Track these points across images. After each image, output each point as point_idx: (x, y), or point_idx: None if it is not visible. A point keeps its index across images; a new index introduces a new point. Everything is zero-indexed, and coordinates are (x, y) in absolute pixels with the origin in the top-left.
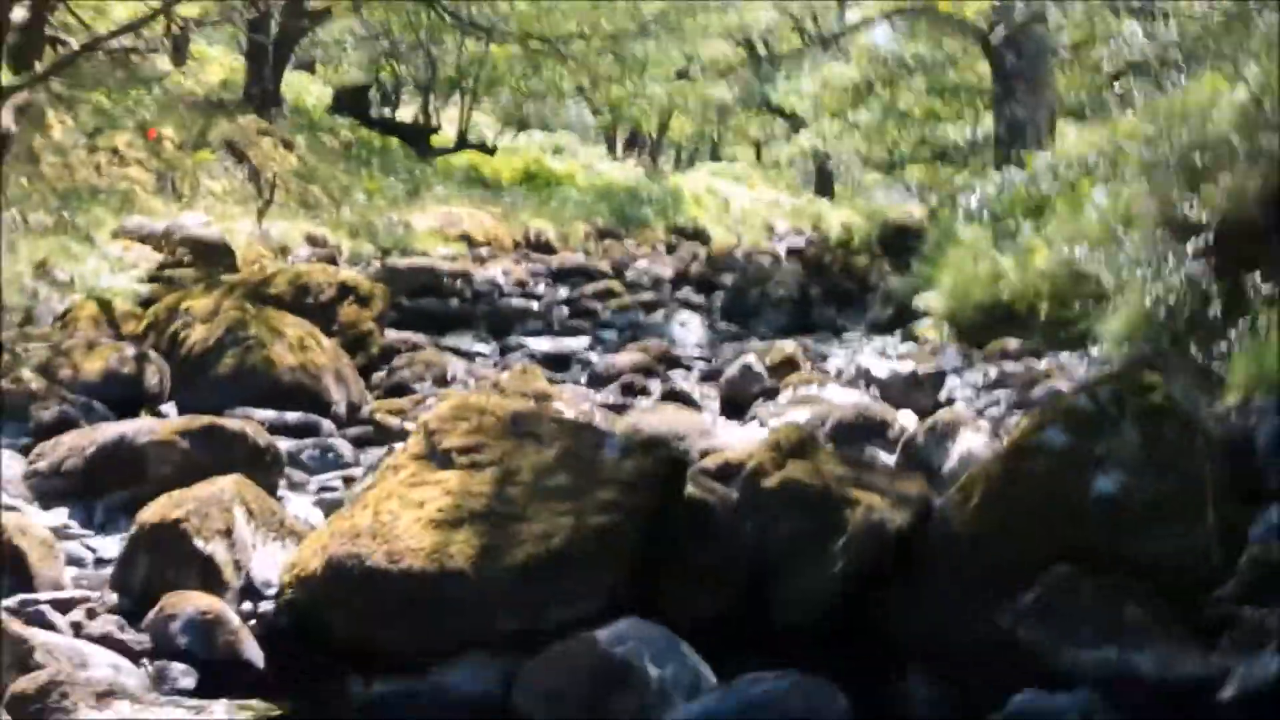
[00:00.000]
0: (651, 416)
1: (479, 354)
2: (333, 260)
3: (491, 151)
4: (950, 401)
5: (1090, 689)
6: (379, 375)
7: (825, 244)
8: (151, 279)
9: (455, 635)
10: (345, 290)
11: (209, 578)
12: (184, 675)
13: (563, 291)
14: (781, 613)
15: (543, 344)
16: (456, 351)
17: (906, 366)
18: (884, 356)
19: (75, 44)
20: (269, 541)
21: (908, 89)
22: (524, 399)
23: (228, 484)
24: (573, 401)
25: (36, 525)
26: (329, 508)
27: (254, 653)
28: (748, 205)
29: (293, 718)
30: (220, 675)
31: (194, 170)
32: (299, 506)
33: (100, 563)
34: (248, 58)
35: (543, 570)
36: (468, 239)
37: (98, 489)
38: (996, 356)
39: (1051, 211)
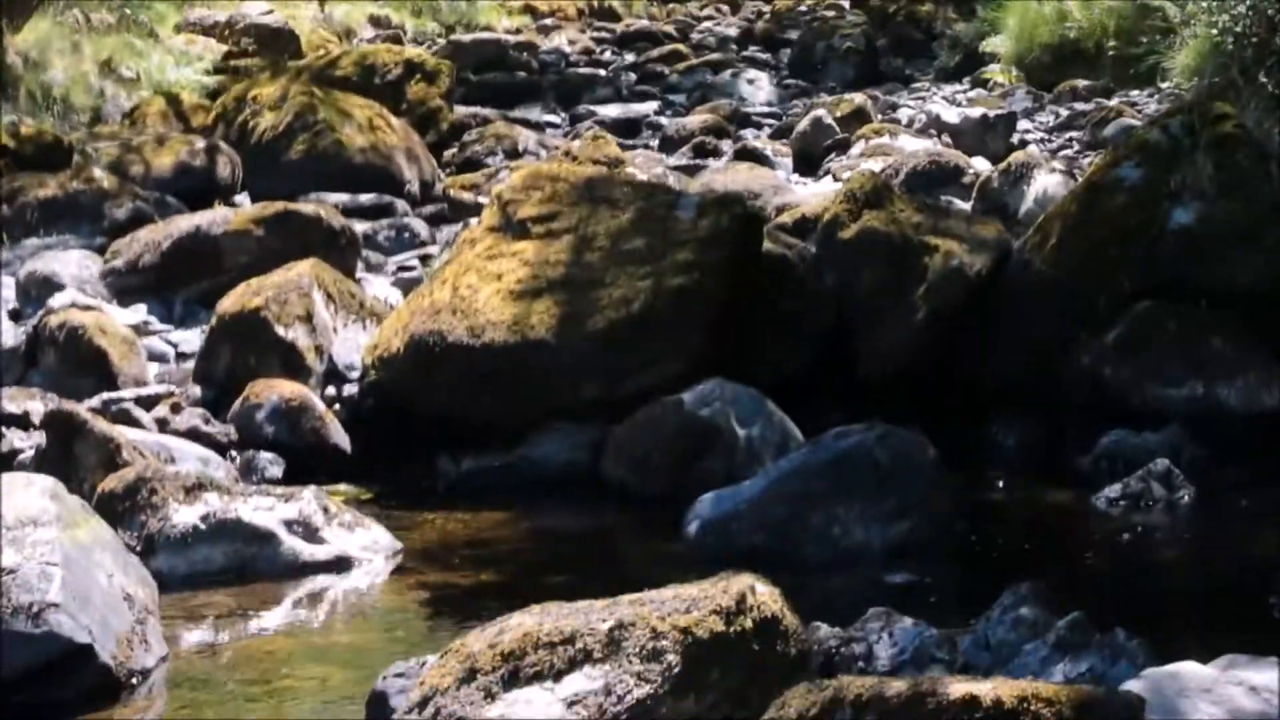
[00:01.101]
0: (724, 176)
1: (549, 124)
2: (397, 40)
3: None
4: (1022, 144)
5: (1177, 425)
6: (450, 152)
7: None
8: (217, 70)
9: (540, 406)
10: (412, 68)
11: (291, 364)
12: (272, 464)
13: (629, 57)
14: (865, 364)
15: (612, 111)
16: (526, 123)
17: (977, 112)
18: (954, 103)
19: None
20: (349, 324)
21: None
22: (596, 165)
23: (305, 269)
24: (645, 165)
25: (116, 323)
26: (407, 287)
27: (341, 437)
28: None
29: (383, 498)
30: (308, 461)
31: None
32: (377, 287)
33: (181, 357)
34: None
35: (624, 335)
36: (531, 10)
37: (175, 283)
38: (1066, 97)
39: None
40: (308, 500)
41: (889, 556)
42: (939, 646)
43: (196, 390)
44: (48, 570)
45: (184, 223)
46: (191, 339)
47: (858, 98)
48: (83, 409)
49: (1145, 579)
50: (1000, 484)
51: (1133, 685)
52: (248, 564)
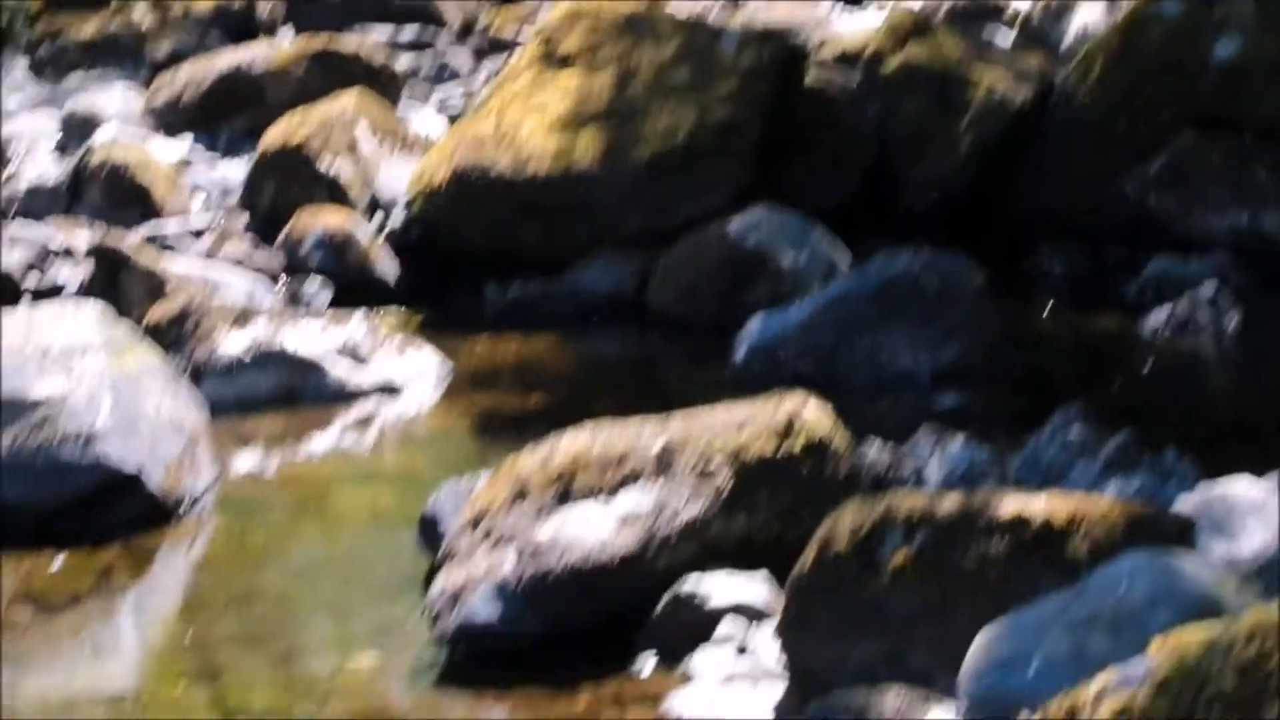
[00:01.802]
0: (767, 9)
1: None
2: None
3: None
4: None
5: (1222, 253)
6: None
7: None
8: None
9: (586, 236)
10: None
11: (336, 196)
12: (318, 292)
13: None
14: (909, 194)
15: None
16: None
17: None
18: None
19: None
20: (393, 156)
21: None
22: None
23: (349, 101)
24: (685, 4)
25: (159, 157)
26: (451, 119)
27: (387, 266)
28: None
29: (430, 326)
30: (354, 290)
31: None
32: (421, 121)
33: (226, 191)
34: None
35: (668, 166)
36: None
37: (218, 118)
38: None
39: None
40: (355, 326)
41: (937, 381)
42: (989, 466)
43: (242, 223)
44: (96, 398)
45: (226, 58)
46: (236, 172)
47: None
48: (129, 240)
49: (1193, 401)
50: (1046, 310)
51: (1183, 504)
52: (296, 390)
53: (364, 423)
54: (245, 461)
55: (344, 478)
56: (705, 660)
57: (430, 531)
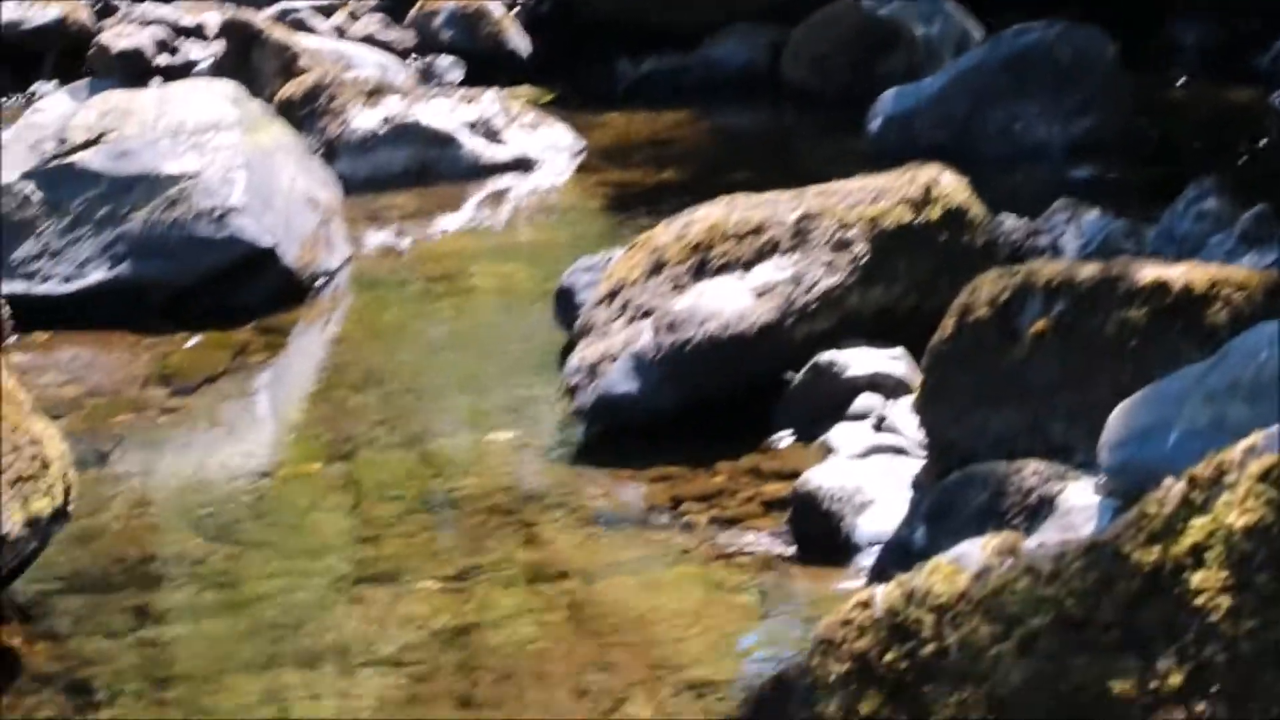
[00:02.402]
0: None
1: None
2: None
3: None
4: None
5: None
6: None
7: None
8: None
9: (719, 9)
10: None
11: None
12: (451, 68)
13: None
14: None
15: None
16: None
17: None
18: None
19: None
20: None
21: None
22: None
23: None
24: None
25: None
26: None
27: (519, 42)
28: None
29: (563, 101)
30: (487, 66)
31: None
32: None
33: None
34: None
35: None
36: None
37: None
38: None
39: None
40: (488, 102)
41: (1070, 153)
42: (1125, 237)
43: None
44: (230, 174)
45: None
46: None
47: None
48: (259, 17)
49: None
50: (1179, 83)
51: None
52: (429, 166)
53: (497, 199)
54: (379, 238)
55: (477, 254)
56: (843, 433)
57: (565, 306)
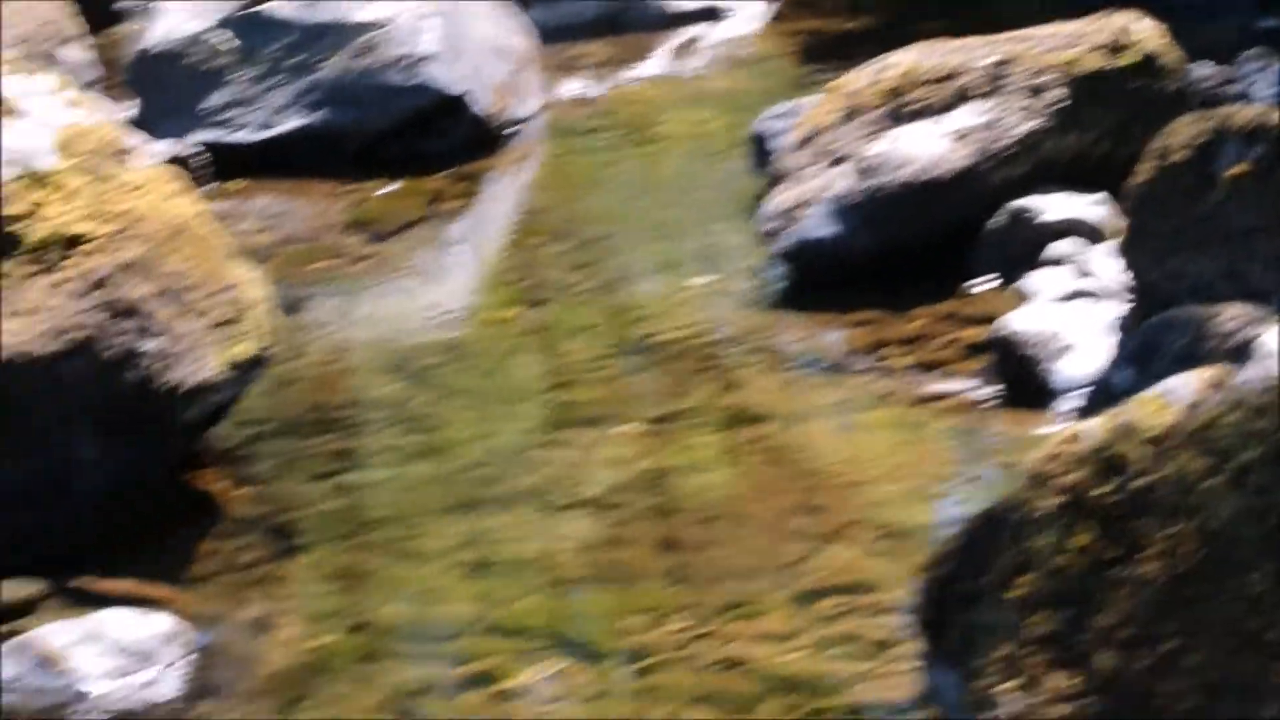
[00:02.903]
0: None
1: None
2: None
3: None
4: None
5: None
6: None
7: None
8: None
9: None
10: None
11: None
12: None
13: None
14: None
15: None
16: None
17: None
18: None
19: None
20: None
21: None
22: None
23: None
24: None
25: None
26: None
27: None
28: None
29: None
30: None
31: None
32: None
33: None
34: None
35: None
36: None
37: None
38: None
39: None
40: None
41: (1260, 3)
42: None
43: None
44: (421, 22)
45: None
46: None
47: None
48: None
49: None
50: None
51: None
52: (619, 15)
53: (688, 47)
54: (570, 87)
55: (669, 102)
56: (1040, 279)
57: (759, 153)
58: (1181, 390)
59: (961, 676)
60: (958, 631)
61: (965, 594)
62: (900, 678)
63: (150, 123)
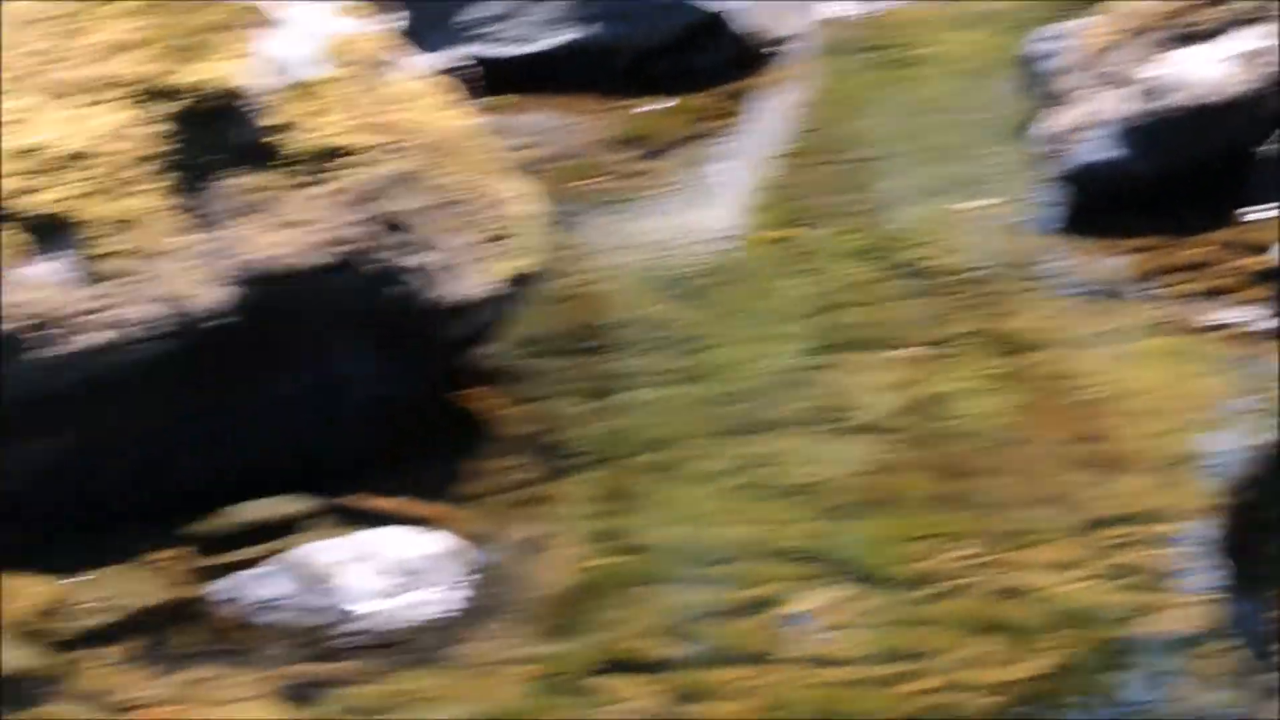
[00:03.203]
0: None
1: None
2: None
3: None
4: None
5: None
6: None
7: None
8: None
9: None
10: None
11: None
12: None
13: None
14: None
15: None
16: None
17: None
18: None
19: None
20: None
21: None
22: None
23: None
24: None
25: None
26: None
27: None
28: None
29: None
30: None
31: None
32: None
33: None
34: None
35: None
36: None
37: None
38: None
39: None
40: None
41: None
42: None
43: None
44: None
45: None
46: None
47: None
48: None
49: None
50: None
51: None
52: None
53: None
54: (834, 6)
55: (936, 22)
56: None
57: (1030, 75)
58: None
59: (1262, 606)
60: (1258, 561)
61: (1265, 522)
62: (1189, 609)
63: (419, 35)
